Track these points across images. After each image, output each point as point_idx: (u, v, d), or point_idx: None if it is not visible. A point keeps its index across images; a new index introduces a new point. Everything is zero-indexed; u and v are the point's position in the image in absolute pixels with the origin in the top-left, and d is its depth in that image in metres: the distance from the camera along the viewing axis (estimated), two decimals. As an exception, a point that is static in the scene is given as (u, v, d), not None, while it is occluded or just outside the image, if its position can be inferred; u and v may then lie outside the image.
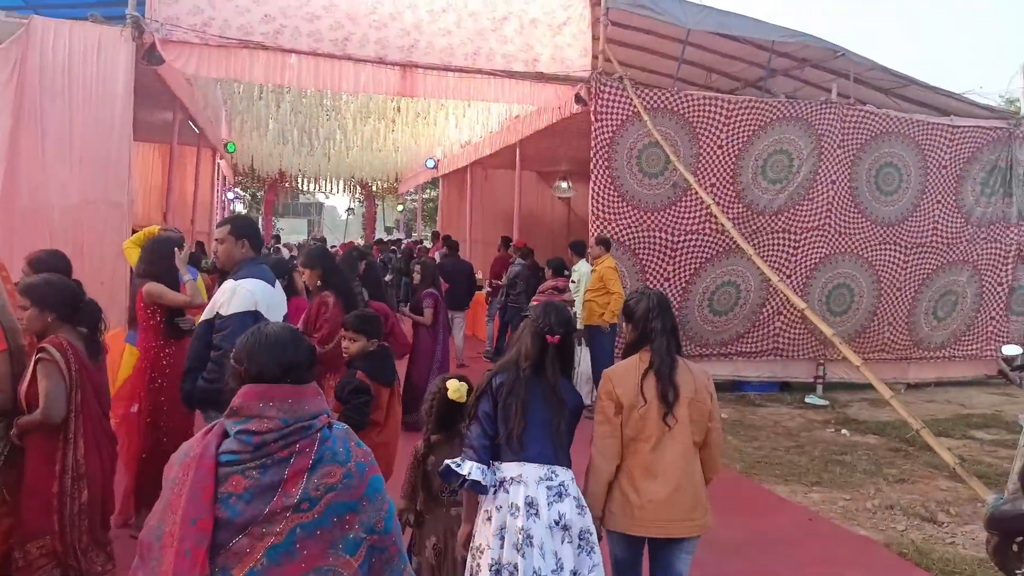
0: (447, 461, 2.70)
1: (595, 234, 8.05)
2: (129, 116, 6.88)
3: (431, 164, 15.92)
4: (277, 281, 3.57)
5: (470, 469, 2.65)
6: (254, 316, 3.19)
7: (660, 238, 8.41)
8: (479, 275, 11.74)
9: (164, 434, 4.10)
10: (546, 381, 2.77)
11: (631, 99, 8.03)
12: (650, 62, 10.09)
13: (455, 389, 3.00)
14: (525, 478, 2.67)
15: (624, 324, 3.08)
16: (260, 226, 21.41)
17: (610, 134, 8.15)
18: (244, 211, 34.48)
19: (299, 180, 20.48)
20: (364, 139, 14.90)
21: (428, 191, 22.95)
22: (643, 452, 2.80)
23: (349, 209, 40.90)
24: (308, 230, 47.00)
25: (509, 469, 2.71)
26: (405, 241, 18.69)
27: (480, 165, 14.59)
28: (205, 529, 1.60)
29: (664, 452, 2.79)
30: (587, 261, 8.02)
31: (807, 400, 8.80)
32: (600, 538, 2.80)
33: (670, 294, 8.46)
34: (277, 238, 17.43)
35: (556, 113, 8.77)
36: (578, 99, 8.15)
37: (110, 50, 6.83)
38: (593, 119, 8.09)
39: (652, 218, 8.39)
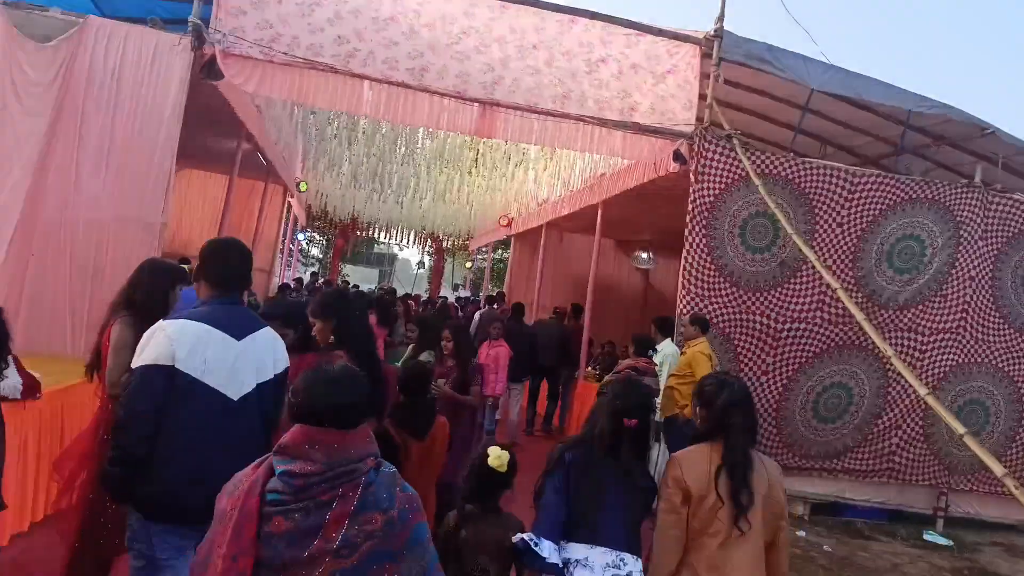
0: (521, 535, 2.58)
1: (686, 311, 6.89)
2: (175, 132, 6.22)
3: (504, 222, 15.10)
4: (260, 332, 2.55)
5: (549, 552, 2.53)
6: (167, 374, 2.24)
7: (761, 323, 7.16)
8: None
9: (105, 514, 3.06)
10: (620, 464, 2.67)
11: (739, 160, 6.95)
12: (761, 129, 9.04)
13: (496, 456, 2.78)
14: (591, 562, 2.57)
15: (697, 407, 2.80)
16: (325, 272, 20.94)
17: (711, 199, 7.06)
18: (319, 255, 34.41)
19: (371, 228, 19.99)
20: (438, 189, 14.21)
21: (500, 251, 22.15)
22: (710, 547, 2.55)
23: (420, 263, 40.62)
24: (379, 280, 47.16)
25: (576, 550, 2.60)
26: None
27: (556, 227, 13.67)
28: (246, 568, 1.59)
29: (734, 550, 2.54)
30: (672, 341, 6.86)
31: (926, 537, 7.25)
32: None
33: (769, 390, 7.17)
34: (292, 284, 15.66)
35: (649, 171, 7.74)
36: (676, 156, 7.12)
37: (166, 59, 6.23)
38: (693, 180, 7.03)
39: (754, 299, 7.17)
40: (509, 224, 15.31)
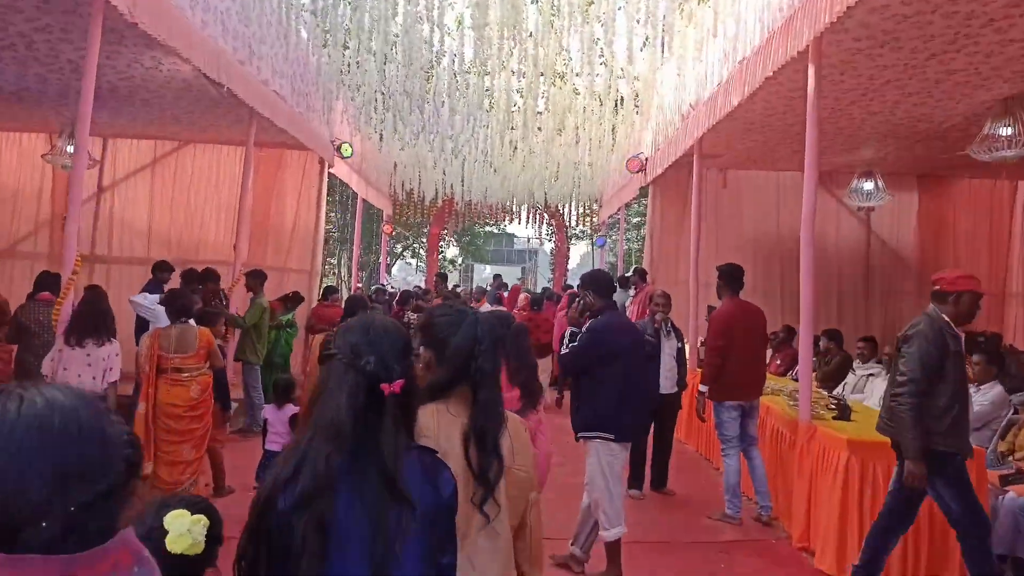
0: None
1: None
2: None
3: (634, 164, 10.07)
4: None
5: None
6: None
7: None
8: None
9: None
10: (378, 461, 1.42)
11: None
12: None
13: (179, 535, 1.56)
14: None
15: (422, 348, 1.93)
16: (423, 267, 16.60)
17: None
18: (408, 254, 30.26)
19: (470, 207, 15.55)
20: (524, 129, 9.45)
21: (638, 209, 16.84)
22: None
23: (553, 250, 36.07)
24: (522, 277, 43.62)
25: None
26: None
27: (717, 158, 8.58)
28: None
29: (478, 550, 1.80)
30: None
31: None
32: None
33: None
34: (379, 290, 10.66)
35: None
36: None
37: None
38: None
39: None
40: (642, 168, 10.29)
